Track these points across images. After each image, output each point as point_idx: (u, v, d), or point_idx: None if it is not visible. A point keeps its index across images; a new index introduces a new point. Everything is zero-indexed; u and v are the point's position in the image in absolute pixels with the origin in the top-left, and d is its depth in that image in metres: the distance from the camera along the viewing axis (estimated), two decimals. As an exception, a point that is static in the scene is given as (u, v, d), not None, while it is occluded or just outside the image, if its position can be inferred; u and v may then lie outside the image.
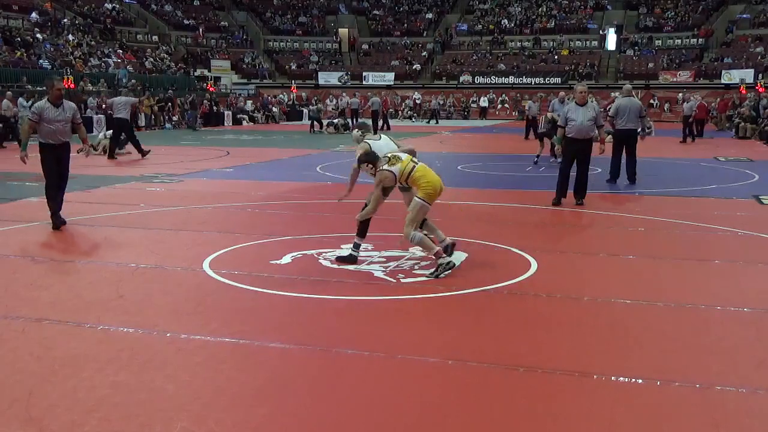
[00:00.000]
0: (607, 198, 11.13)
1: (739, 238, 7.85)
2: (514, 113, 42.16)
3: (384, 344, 4.43)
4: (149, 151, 17.35)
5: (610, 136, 15.29)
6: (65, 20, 40.14)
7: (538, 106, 22.89)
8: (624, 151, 12.50)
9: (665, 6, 49.78)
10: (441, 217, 9.23)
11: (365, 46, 52.76)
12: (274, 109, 41.15)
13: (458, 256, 6.66)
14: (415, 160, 6.31)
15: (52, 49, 35.47)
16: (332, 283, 5.84)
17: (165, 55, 44.46)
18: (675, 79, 42.61)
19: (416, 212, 6.12)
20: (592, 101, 12.40)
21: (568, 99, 18.86)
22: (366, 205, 6.36)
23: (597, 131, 10.31)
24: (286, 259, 6.59)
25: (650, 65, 44.77)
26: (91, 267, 6.51)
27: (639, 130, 12.77)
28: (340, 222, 8.54)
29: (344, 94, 44.08)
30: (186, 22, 50.96)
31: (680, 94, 26.69)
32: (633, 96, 13.15)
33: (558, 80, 42.97)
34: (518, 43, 49.86)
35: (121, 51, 41.20)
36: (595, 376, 3.93)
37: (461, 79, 46.57)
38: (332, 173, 14.02)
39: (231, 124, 36.40)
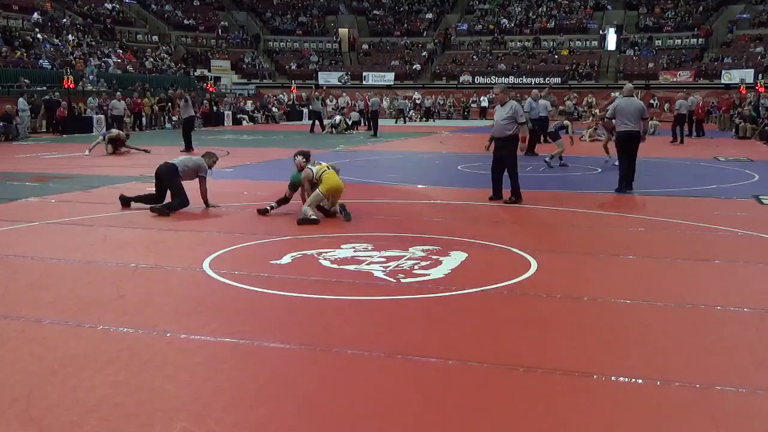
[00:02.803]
0: (607, 198, 11.11)
1: (739, 238, 7.85)
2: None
3: (384, 344, 4.42)
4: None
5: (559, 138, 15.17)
6: (65, 20, 40.15)
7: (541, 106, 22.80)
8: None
9: (665, 6, 49.81)
10: (442, 216, 9.26)
11: (365, 46, 52.77)
12: (274, 109, 41.16)
13: (458, 256, 6.68)
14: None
15: (52, 49, 35.49)
16: (332, 283, 5.84)
17: (165, 55, 44.49)
18: (675, 79, 42.61)
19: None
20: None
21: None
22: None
23: (520, 129, 10.10)
24: (286, 259, 6.59)
25: (650, 65, 44.78)
26: (91, 267, 6.50)
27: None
28: (339, 222, 8.55)
29: (344, 93, 44.11)
30: (186, 22, 50.98)
31: (679, 94, 26.64)
32: (634, 96, 12.13)
33: (558, 80, 42.95)
34: (518, 43, 49.86)
35: (121, 51, 41.23)
36: (595, 376, 3.93)
37: (461, 79, 46.58)
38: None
39: (231, 124, 36.44)
